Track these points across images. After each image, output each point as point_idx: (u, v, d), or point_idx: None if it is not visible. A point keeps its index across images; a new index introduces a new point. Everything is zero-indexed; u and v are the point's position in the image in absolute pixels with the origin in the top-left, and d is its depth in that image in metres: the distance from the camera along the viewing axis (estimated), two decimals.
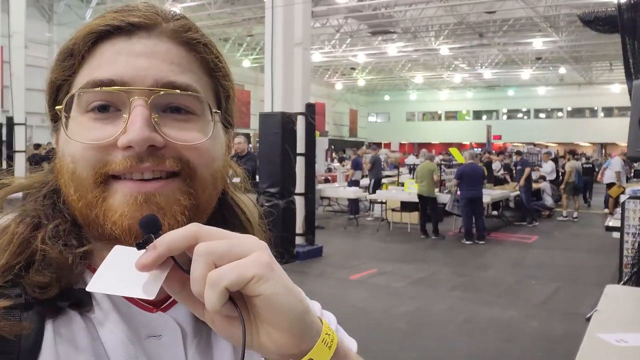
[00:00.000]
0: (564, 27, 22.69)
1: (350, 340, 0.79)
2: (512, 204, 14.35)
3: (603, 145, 34.88)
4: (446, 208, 10.74)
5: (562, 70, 30.82)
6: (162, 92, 0.58)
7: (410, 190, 11.22)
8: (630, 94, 5.14)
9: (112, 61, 0.59)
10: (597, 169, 18.65)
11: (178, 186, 0.59)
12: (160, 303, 0.63)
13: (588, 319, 5.64)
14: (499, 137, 33.51)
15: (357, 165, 16.02)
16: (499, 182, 14.00)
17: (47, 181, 0.67)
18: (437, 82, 37.68)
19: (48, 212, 0.63)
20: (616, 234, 6.94)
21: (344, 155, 26.48)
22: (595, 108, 35.13)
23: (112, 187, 0.58)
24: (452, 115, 40.44)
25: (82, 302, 0.59)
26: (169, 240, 0.49)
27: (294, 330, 0.50)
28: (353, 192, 12.98)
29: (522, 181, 12.77)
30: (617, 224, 6.76)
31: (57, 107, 0.63)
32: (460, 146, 27.66)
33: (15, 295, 0.56)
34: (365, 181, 14.99)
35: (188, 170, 0.60)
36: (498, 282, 7.34)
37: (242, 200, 0.76)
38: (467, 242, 10.05)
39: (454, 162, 14.68)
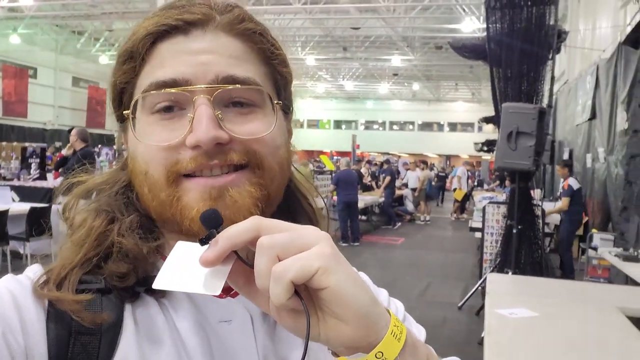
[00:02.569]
0: (419, 48, 24.75)
1: (418, 329, 0.79)
2: (376, 209, 15.48)
3: (448, 157, 38.50)
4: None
5: (415, 86, 33.47)
6: (223, 88, 0.59)
7: None
8: (497, 114, 6.04)
9: (172, 61, 0.61)
10: (448, 177, 21.00)
11: (248, 178, 0.61)
12: (230, 289, 0.64)
13: (460, 307, 6.50)
14: (357, 147, 35.41)
15: None
16: (366, 188, 15.01)
17: (119, 178, 0.69)
18: (301, 90, 38.78)
19: (122, 207, 0.65)
20: (478, 234, 8.00)
21: None
22: (442, 123, 38.38)
23: (184, 186, 0.60)
24: (313, 124, 41.72)
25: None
26: (231, 234, 0.49)
27: (361, 322, 0.48)
28: None
29: (381, 188, 13.93)
30: (479, 225, 7.80)
31: (124, 112, 0.64)
32: (321, 154, 28.79)
33: (96, 282, 0.60)
34: None
35: (255, 161, 0.61)
36: (377, 280, 7.76)
37: (305, 186, 0.77)
38: (343, 244, 10.70)
39: (325, 169, 15.49)
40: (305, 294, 0.49)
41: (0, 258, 7.30)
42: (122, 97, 0.65)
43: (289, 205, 0.72)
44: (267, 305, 0.51)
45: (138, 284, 0.61)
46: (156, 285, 0.51)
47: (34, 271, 0.63)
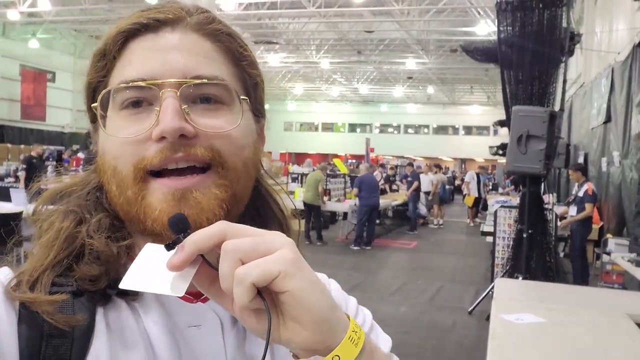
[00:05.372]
0: (433, 51, 24.67)
1: (385, 338, 0.79)
2: (390, 213, 15.43)
3: (463, 161, 38.26)
4: (350, 220, 11.42)
5: (430, 90, 33.34)
6: (190, 83, 0.60)
7: (302, 199, 11.67)
8: (507, 118, 5.99)
9: (141, 58, 0.62)
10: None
11: (213, 180, 0.61)
12: (200, 294, 0.64)
13: (470, 312, 6.44)
14: (372, 150, 35.30)
15: None
16: (380, 192, 14.96)
17: (90, 180, 0.70)
18: (316, 94, 38.83)
19: (91, 208, 0.66)
20: (489, 238, 7.93)
21: None
22: (457, 126, 38.21)
23: (150, 186, 0.60)
24: (328, 127, 41.76)
25: (129, 291, 0.60)
26: (197, 239, 0.50)
27: (319, 326, 0.50)
28: None
29: (410, 191, 13.78)
30: (491, 229, 7.73)
31: (92, 105, 0.65)
32: (335, 157, 28.75)
33: (67, 285, 0.60)
34: None
35: (219, 159, 0.61)
36: (389, 283, 7.98)
37: (276, 190, 0.77)
38: (355, 248, 10.64)
39: (338, 172, 15.48)
40: (268, 297, 0.50)
41: (15, 260, 7.39)
42: (95, 96, 0.66)
43: (259, 210, 0.72)
44: (231, 306, 0.52)
45: (109, 287, 0.61)
46: (122, 285, 0.52)
47: (4, 274, 0.63)
